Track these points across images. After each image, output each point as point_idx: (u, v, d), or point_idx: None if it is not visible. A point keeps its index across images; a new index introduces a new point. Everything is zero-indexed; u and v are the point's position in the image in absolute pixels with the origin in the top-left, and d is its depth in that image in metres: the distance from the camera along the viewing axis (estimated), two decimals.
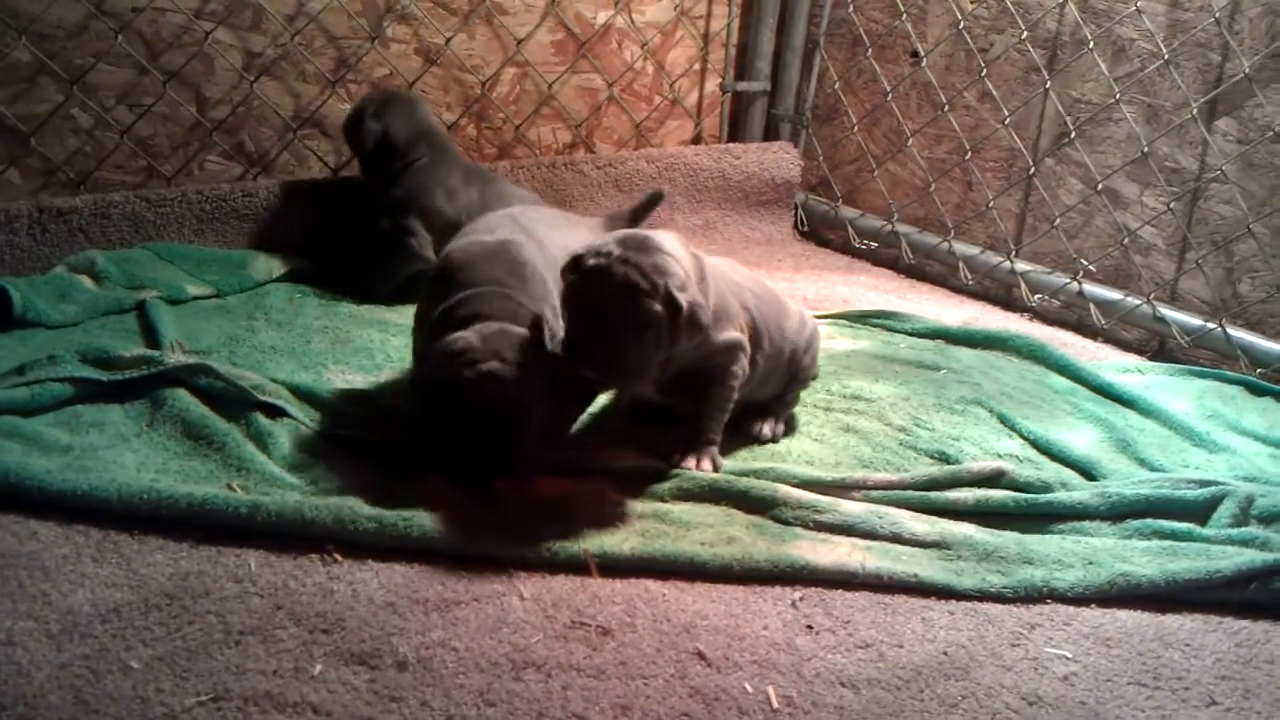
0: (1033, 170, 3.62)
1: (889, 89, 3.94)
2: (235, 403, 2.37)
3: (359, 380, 2.63)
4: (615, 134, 4.03)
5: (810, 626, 1.92)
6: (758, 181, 4.12)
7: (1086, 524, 2.25)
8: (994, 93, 3.66)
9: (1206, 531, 2.21)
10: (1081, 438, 2.66)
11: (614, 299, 2.03)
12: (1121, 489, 2.30)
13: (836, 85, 4.12)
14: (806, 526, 2.16)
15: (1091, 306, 3.43)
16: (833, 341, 3.17)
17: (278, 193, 3.30)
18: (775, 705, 1.71)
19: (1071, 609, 2.03)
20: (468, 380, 2.06)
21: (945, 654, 1.87)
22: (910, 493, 2.28)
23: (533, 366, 2.10)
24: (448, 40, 3.59)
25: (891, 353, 3.12)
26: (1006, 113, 3.64)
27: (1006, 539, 2.16)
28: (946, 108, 3.77)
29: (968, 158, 3.75)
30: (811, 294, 3.57)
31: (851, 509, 2.19)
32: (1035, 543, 2.16)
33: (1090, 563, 2.10)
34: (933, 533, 2.16)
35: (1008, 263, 3.65)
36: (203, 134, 3.30)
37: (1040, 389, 2.95)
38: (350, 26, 3.44)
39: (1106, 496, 2.27)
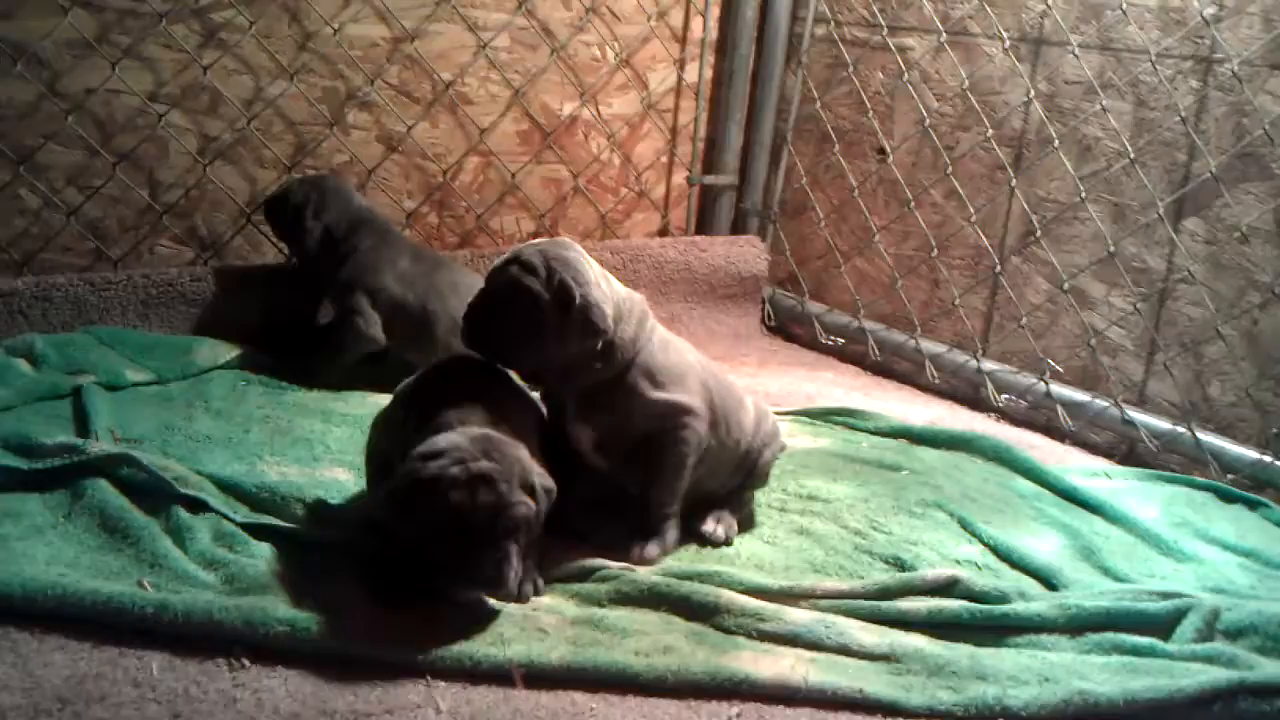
0: (999, 269, 3.57)
1: (855, 185, 3.92)
2: (157, 495, 2.26)
3: (294, 473, 2.52)
4: (581, 225, 3.99)
5: None
6: (724, 275, 4.07)
7: (1044, 637, 2.14)
8: (960, 191, 3.63)
9: (1169, 647, 2.11)
10: (1044, 544, 2.57)
11: (506, 283, 2.14)
12: (1081, 600, 2.20)
13: (804, 180, 4.10)
14: (749, 636, 2.05)
15: (1059, 408, 3.36)
16: (793, 439, 3.08)
17: (227, 278, 3.22)
18: None
19: None
20: (460, 481, 1.90)
21: None
22: (861, 602, 2.17)
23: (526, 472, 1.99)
24: (409, 129, 3.56)
25: (852, 452, 3.04)
26: (973, 210, 3.61)
27: (959, 652, 2.05)
28: (913, 204, 3.74)
29: (934, 254, 3.71)
30: (775, 389, 3.49)
31: (798, 617, 2.09)
32: (989, 657, 2.05)
33: (1046, 679, 2.00)
34: (882, 644, 2.05)
35: (974, 361, 3.59)
36: (154, 217, 3.24)
37: (1004, 492, 2.86)
38: (310, 113, 3.40)
39: (1065, 609, 2.17)
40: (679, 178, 4.19)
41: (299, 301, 3.25)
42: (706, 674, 1.92)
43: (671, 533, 2.31)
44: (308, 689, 1.81)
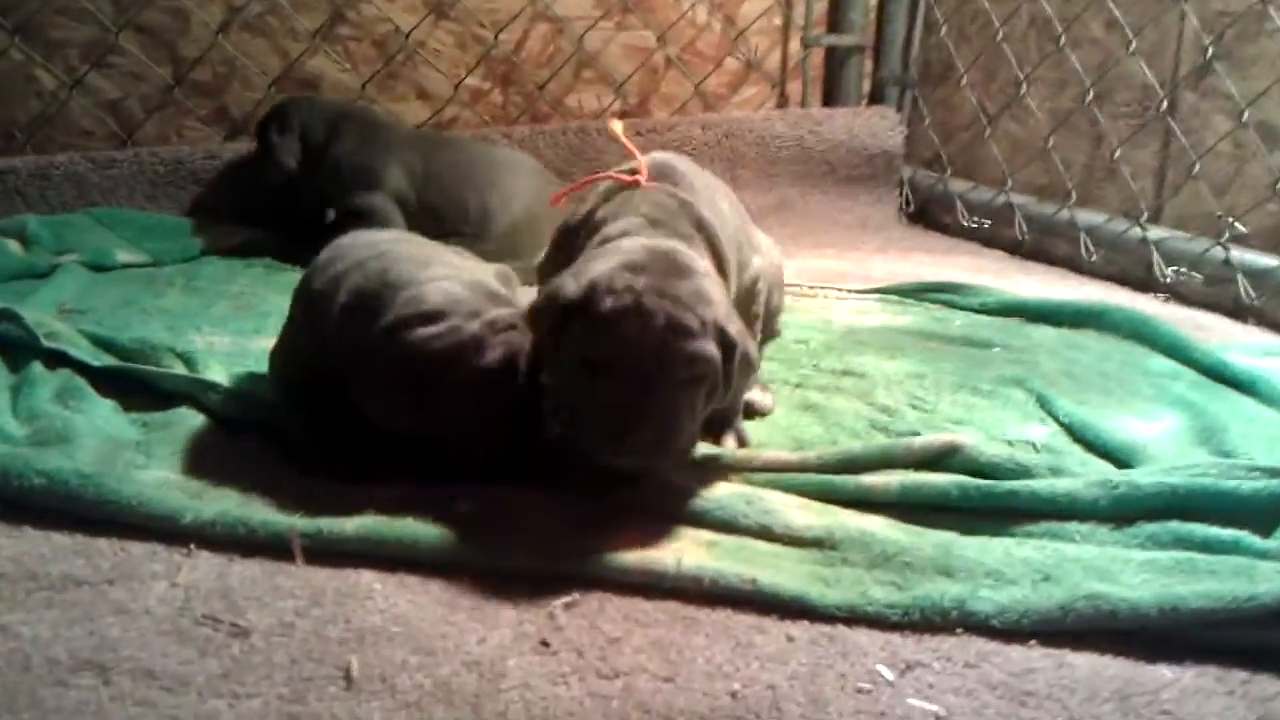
0: (1165, 109, 2.77)
1: (1000, 28, 3.18)
2: (31, 351, 1.97)
3: (220, 343, 2.20)
4: (677, 101, 3.46)
5: (546, 643, 1.28)
6: (847, 152, 3.44)
7: (1072, 526, 1.49)
8: (1120, 19, 2.86)
9: (1264, 542, 1.41)
10: (1150, 426, 1.87)
11: (657, 352, 1.42)
12: (1136, 478, 1.52)
13: (944, 34, 3.39)
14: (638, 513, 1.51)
15: (1239, 278, 2.55)
16: (863, 317, 2.48)
17: (241, 156, 2.93)
18: None
19: (991, 644, 1.30)
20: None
21: (734, 696, 1.20)
22: (811, 476, 1.59)
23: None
24: None
25: (936, 329, 2.40)
26: (1133, 40, 2.82)
27: (926, 540, 1.45)
28: (1063, 42, 2.98)
29: (1088, 101, 2.94)
30: (881, 274, 2.85)
31: (715, 493, 1.54)
32: (971, 548, 1.43)
33: (1046, 578, 1.36)
34: (816, 527, 1.47)
35: (1139, 230, 2.81)
36: (180, 95, 2.99)
37: (1125, 371, 2.16)
38: None
39: (1109, 487, 1.51)
40: (796, 44, 3.57)
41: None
42: (545, 559, 1.41)
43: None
44: (35, 549, 1.43)
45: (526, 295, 1.70)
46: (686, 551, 1.43)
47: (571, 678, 1.22)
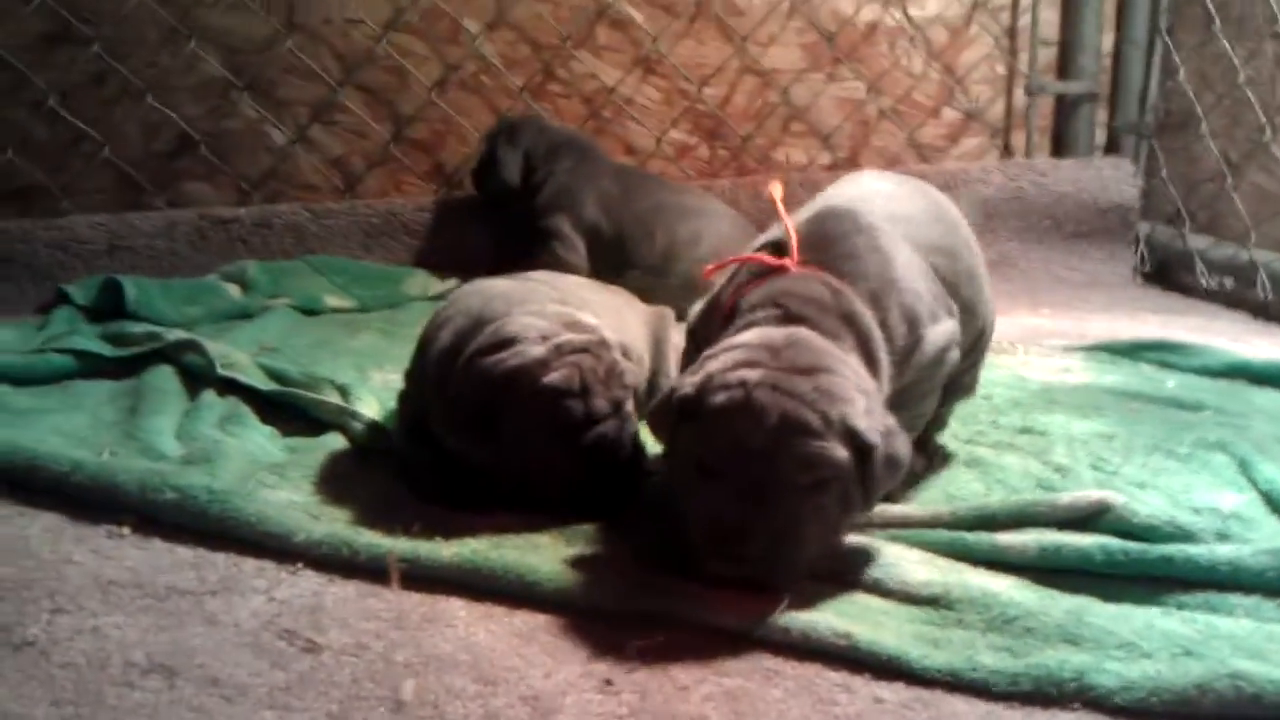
0: None
1: (1242, 71, 2.91)
2: (208, 379, 2.08)
3: (396, 380, 2.24)
4: (890, 154, 3.35)
5: (610, 683, 1.21)
6: (1074, 205, 3.22)
7: (1234, 599, 1.29)
8: None
9: None
10: None
11: (768, 453, 1.29)
12: None
13: (1180, 77, 3.13)
14: None
15: None
16: (1064, 375, 2.29)
17: (450, 210, 3.04)
18: None
19: None
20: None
21: None
22: (941, 533, 1.45)
23: None
24: (654, 38, 3.17)
25: (1144, 389, 2.19)
26: None
27: (1057, 605, 1.29)
28: None
29: None
30: (1098, 335, 2.63)
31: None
32: (1107, 616, 1.27)
33: (1187, 653, 1.19)
34: (934, 584, 1.34)
35: None
36: (398, 151, 3.13)
37: None
38: (556, 33, 3.14)
39: None
40: (1021, 92, 3.39)
41: (524, 235, 2.97)
42: (630, 597, 1.34)
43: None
44: (154, 560, 1.49)
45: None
46: (788, 603, 1.32)
47: (625, 719, 1.14)
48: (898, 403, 1.45)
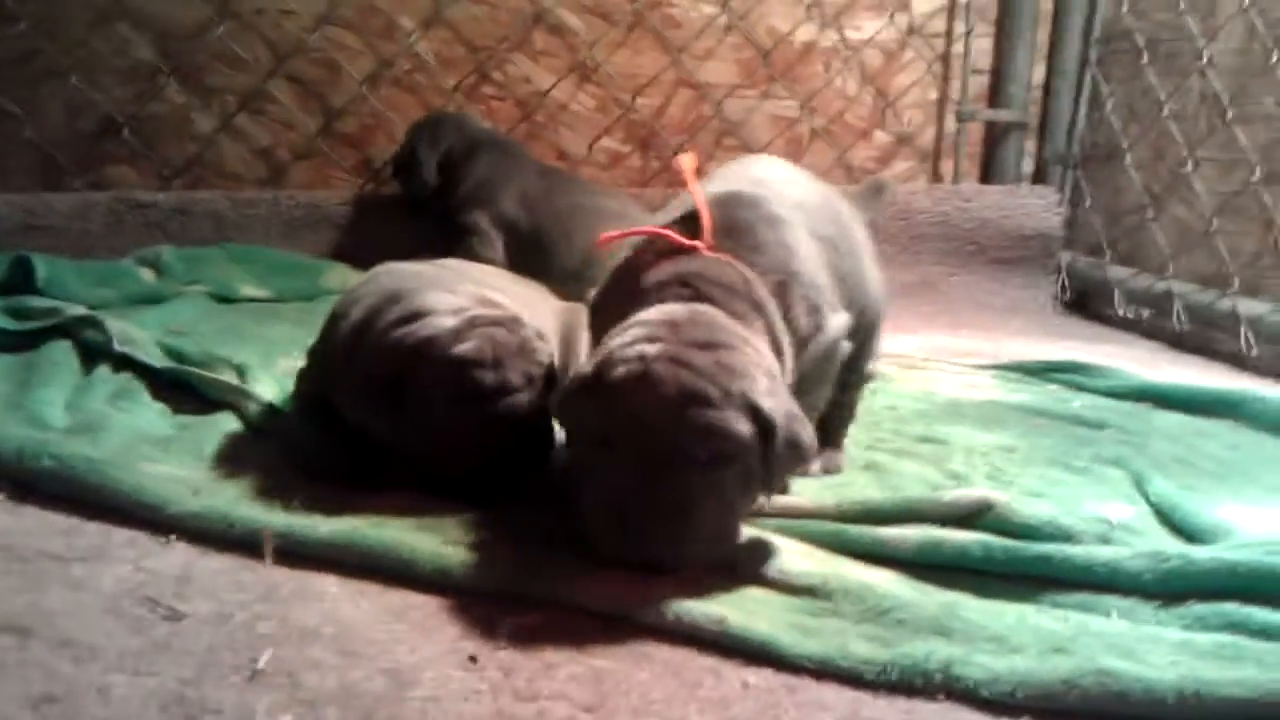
0: None
1: (1166, 104, 2.96)
2: (109, 355, 2.03)
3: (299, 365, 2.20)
4: (820, 173, 3.34)
5: (474, 659, 1.18)
6: (997, 231, 3.26)
7: (1111, 600, 1.29)
8: None
9: None
10: (1257, 512, 1.64)
11: (667, 424, 1.26)
12: (1192, 552, 1.32)
13: (1108, 109, 3.19)
14: None
15: None
16: (972, 391, 2.30)
17: (372, 204, 3.00)
18: None
19: (975, 714, 1.12)
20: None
21: None
22: (825, 524, 1.44)
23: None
24: (590, 46, 3.17)
25: (1050, 407, 2.20)
26: None
27: (932, 599, 1.28)
28: (1230, 117, 2.75)
29: (1253, 182, 2.69)
30: (1012, 356, 2.65)
31: None
32: (981, 611, 1.26)
33: (1056, 650, 1.18)
34: (812, 574, 1.32)
35: None
36: (326, 144, 3.10)
37: (1251, 461, 1.91)
38: (493, 35, 3.13)
39: (1160, 559, 1.30)
40: (953, 119, 3.43)
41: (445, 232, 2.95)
42: (509, 577, 1.32)
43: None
44: (25, 526, 1.44)
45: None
46: (666, 588, 1.30)
47: (485, 695, 1.12)
48: (795, 393, 1.44)
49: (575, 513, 1.35)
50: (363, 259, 2.94)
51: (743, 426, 1.27)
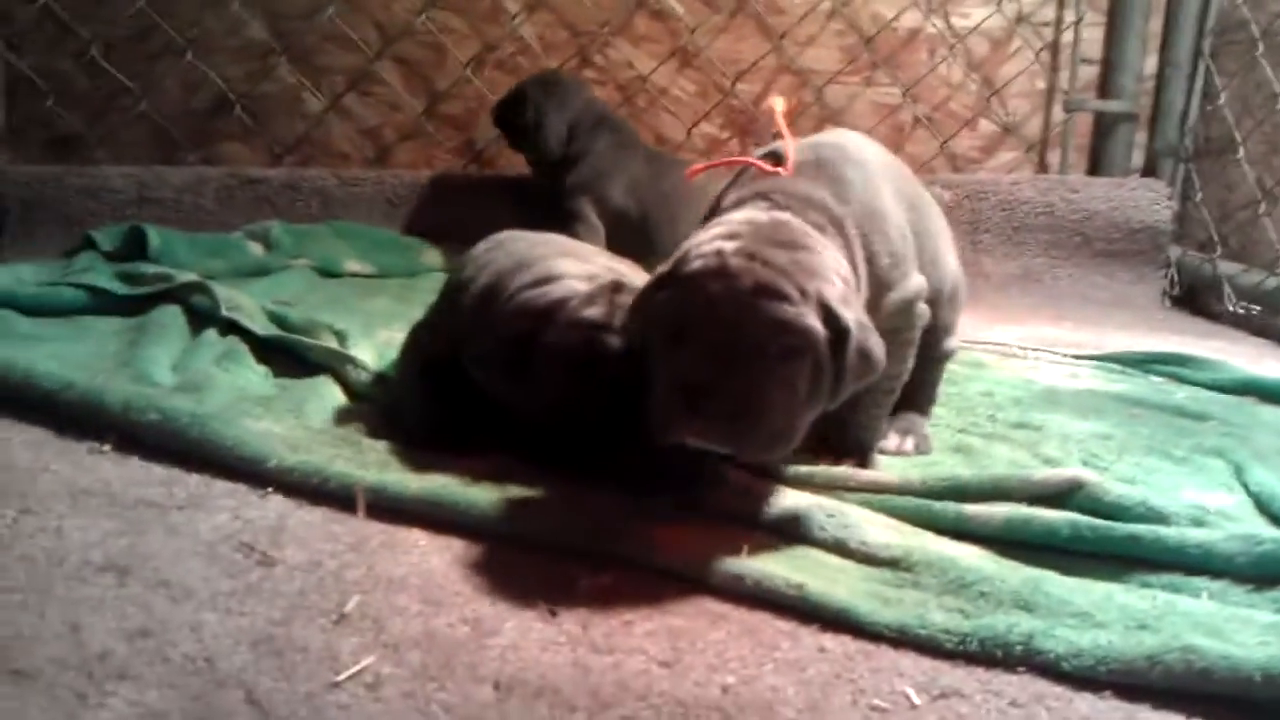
0: None
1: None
2: (213, 320, 2.11)
3: (400, 337, 2.25)
4: (922, 161, 3.32)
5: (554, 612, 1.20)
6: (1104, 224, 3.18)
7: (1201, 582, 1.26)
8: None
9: None
10: None
11: (738, 314, 1.26)
12: None
13: (1221, 101, 3.09)
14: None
15: None
16: (1072, 381, 2.25)
17: (475, 184, 3.05)
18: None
19: (1055, 688, 1.11)
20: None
21: (725, 690, 1.08)
22: (909, 500, 1.43)
23: None
24: (692, 30, 3.17)
25: (1150, 398, 2.14)
26: None
27: (1017, 574, 1.26)
28: None
29: None
30: (1115, 347, 2.59)
31: (794, 502, 1.42)
32: (1066, 587, 1.24)
33: (1142, 627, 1.15)
34: (894, 546, 1.32)
35: None
36: (432, 126, 3.16)
37: None
38: (595, 18, 3.15)
39: (1254, 542, 1.27)
40: (1060, 108, 3.36)
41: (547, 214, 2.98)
42: (588, 536, 1.33)
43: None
44: (129, 475, 1.50)
45: None
46: (744, 552, 1.30)
47: (564, 646, 1.13)
48: None
49: (640, 413, 1.34)
50: (464, 239, 3.00)
51: (814, 323, 1.27)
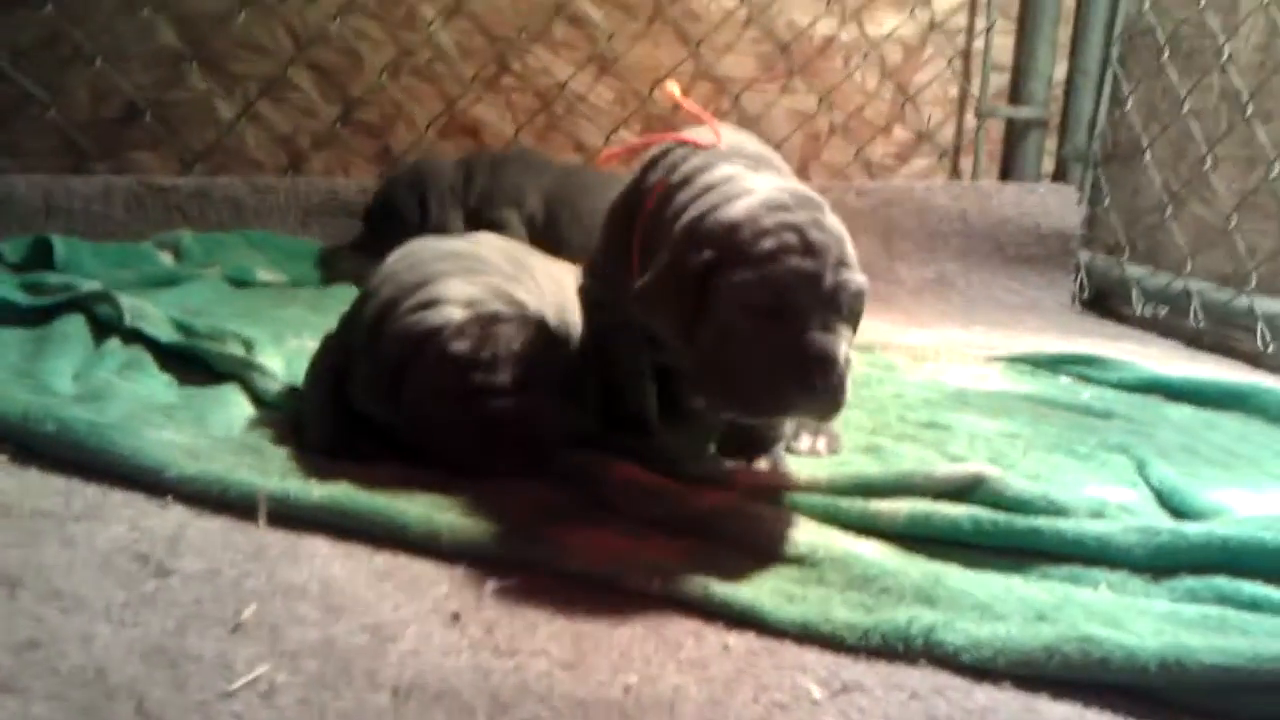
0: None
1: (1185, 99, 2.94)
2: (115, 329, 2.06)
3: (310, 346, 2.22)
4: (838, 170, 3.36)
5: (457, 616, 1.19)
6: (1016, 229, 3.24)
7: (1099, 573, 1.28)
8: None
9: None
10: (1259, 497, 1.63)
11: (834, 288, 1.32)
12: (1183, 527, 1.30)
13: (1129, 107, 3.17)
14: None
15: None
16: (981, 382, 2.29)
17: (390, 189, 3.01)
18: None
19: (954, 679, 1.12)
20: None
21: (628, 690, 1.07)
22: (816, 496, 1.44)
23: None
24: (609, 37, 3.18)
25: (1058, 397, 2.18)
26: None
27: (919, 569, 1.28)
28: (1249, 113, 2.72)
29: (1272, 177, 2.66)
30: (1024, 350, 2.63)
31: (702, 503, 1.42)
32: (967, 580, 1.25)
33: (1040, 617, 1.17)
34: (800, 543, 1.33)
35: None
36: (346, 133, 3.12)
37: (1258, 451, 1.90)
38: (514, 25, 3.14)
39: (1151, 534, 1.29)
40: (973, 116, 3.42)
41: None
42: (495, 539, 1.32)
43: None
44: (25, 485, 1.46)
45: None
46: (653, 554, 1.30)
47: (465, 650, 1.12)
48: None
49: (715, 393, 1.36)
50: (379, 248, 2.97)
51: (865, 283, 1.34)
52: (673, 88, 1.63)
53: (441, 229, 2.64)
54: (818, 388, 1.27)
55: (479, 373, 1.51)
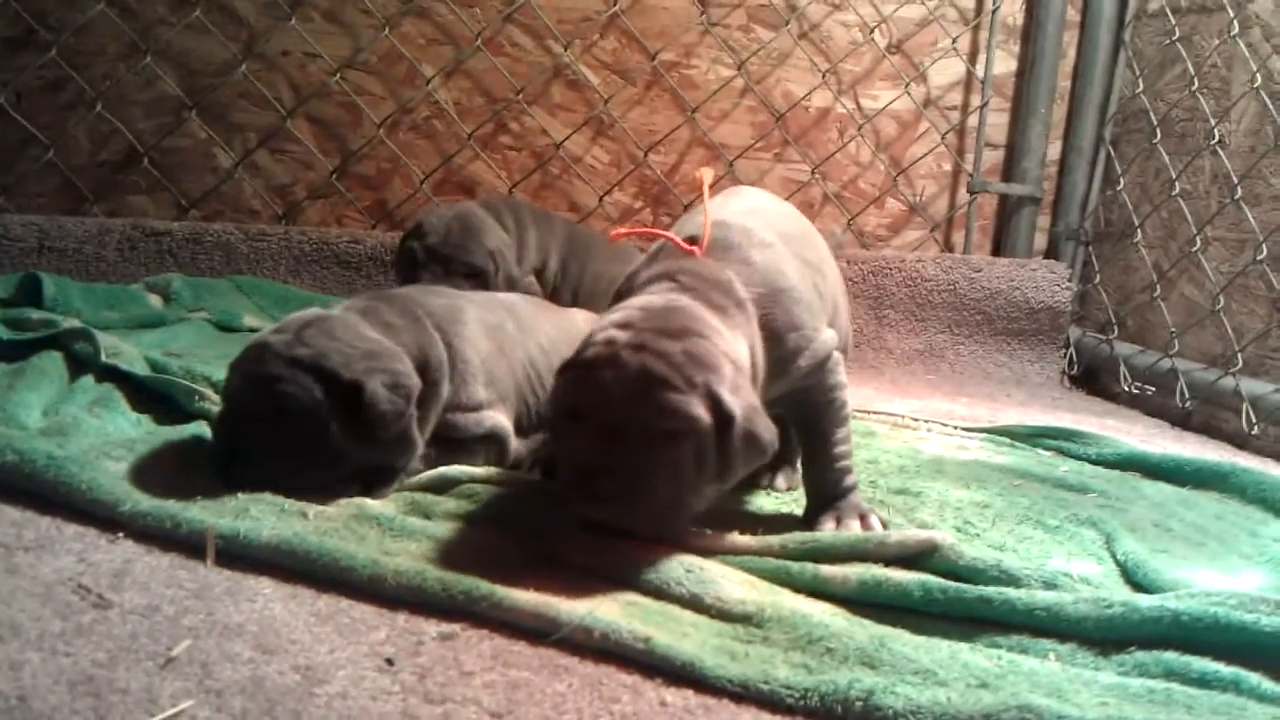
0: None
1: (1177, 182, 2.95)
2: (91, 366, 2.06)
3: None
4: (828, 238, 3.36)
5: (391, 662, 1.17)
6: (1006, 303, 3.24)
7: (1048, 644, 1.26)
8: None
9: (1274, 686, 1.15)
10: (1228, 579, 1.60)
11: (626, 399, 1.35)
12: (1135, 599, 1.29)
13: (1121, 187, 3.18)
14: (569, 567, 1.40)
15: None
16: (959, 452, 2.27)
17: (383, 245, 3.04)
18: None
19: None
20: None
21: None
22: (769, 560, 1.43)
23: None
24: (606, 100, 3.21)
25: (1034, 470, 2.17)
26: None
27: (865, 632, 1.26)
28: (1239, 196, 2.73)
29: (1260, 259, 2.66)
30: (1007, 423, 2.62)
31: (655, 556, 1.41)
32: (912, 645, 1.23)
33: (982, 685, 1.15)
34: (748, 603, 1.31)
35: None
36: (343, 186, 3.15)
37: (1231, 530, 1.87)
38: (511, 87, 3.18)
39: (1102, 605, 1.27)
40: (965, 190, 3.44)
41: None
42: (440, 584, 1.30)
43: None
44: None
45: None
46: (599, 606, 1.29)
47: (395, 696, 1.10)
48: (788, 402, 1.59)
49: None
50: None
51: (700, 411, 1.34)
52: (706, 175, 1.66)
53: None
54: (588, 487, 1.36)
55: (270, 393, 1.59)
